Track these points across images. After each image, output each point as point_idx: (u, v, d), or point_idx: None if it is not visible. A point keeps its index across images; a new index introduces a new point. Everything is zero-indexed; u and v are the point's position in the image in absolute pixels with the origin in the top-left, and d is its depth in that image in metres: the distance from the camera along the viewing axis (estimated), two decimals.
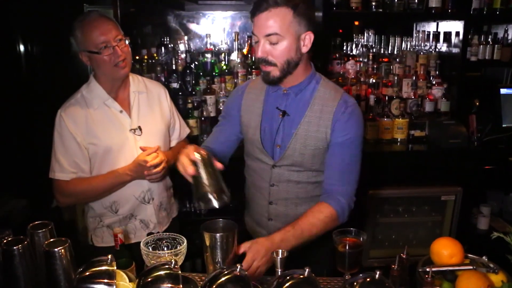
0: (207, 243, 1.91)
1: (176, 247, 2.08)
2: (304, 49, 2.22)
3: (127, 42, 2.68)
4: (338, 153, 2.31)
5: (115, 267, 1.69)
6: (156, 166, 2.63)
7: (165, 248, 2.11)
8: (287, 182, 2.43)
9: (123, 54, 2.61)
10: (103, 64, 2.59)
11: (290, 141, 2.34)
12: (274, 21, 2.11)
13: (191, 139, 3.64)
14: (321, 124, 2.30)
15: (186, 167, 1.98)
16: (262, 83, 2.42)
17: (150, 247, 2.07)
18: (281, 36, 2.13)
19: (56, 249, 1.73)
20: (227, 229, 1.91)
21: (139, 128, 2.76)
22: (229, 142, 2.65)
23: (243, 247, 2.05)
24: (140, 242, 2.08)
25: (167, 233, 2.15)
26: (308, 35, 2.19)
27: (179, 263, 1.95)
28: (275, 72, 2.22)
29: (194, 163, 1.95)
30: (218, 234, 1.88)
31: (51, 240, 1.82)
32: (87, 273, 1.64)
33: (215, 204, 1.95)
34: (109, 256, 1.70)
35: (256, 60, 2.29)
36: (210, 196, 1.91)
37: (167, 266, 1.69)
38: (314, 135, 2.31)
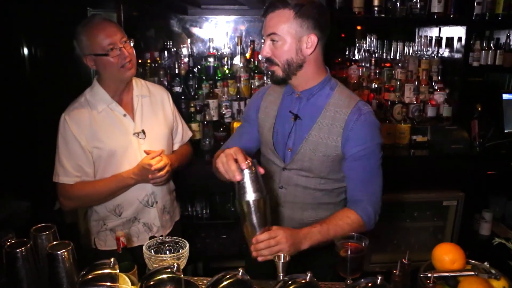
0: (245, 209, 2.03)
1: (179, 251, 2.08)
2: (307, 51, 2.23)
3: (131, 43, 2.69)
4: (358, 165, 2.30)
5: (117, 270, 1.69)
6: (160, 169, 2.64)
7: (167, 252, 2.11)
8: (295, 186, 2.42)
9: (129, 55, 2.63)
10: (110, 66, 2.60)
11: (300, 145, 2.35)
12: (275, 22, 2.19)
13: (194, 143, 3.64)
14: (332, 131, 2.29)
15: (234, 173, 2.03)
16: (280, 88, 2.50)
17: (152, 250, 2.07)
18: (280, 36, 2.19)
19: (59, 252, 1.74)
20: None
21: (143, 131, 2.76)
22: (250, 143, 2.66)
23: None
24: (143, 245, 2.08)
25: (170, 237, 2.16)
26: (312, 37, 2.20)
27: (182, 267, 1.95)
28: (278, 71, 2.27)
29: (241, 170, 2.03)
30: (251, 199, 2.01)
31: (54, 243, 1.83)
32: (90, 276, 1.64)
33: (254, 211, 2.05)
34: (112, 259, 1.70)
35: (262, 60, 2.32)
36: (252, 204, 2.03)
37: (169, 270, 1.70)
38: (324, 142, 2.30)
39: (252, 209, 2.03)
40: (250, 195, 2.02)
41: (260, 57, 4.24)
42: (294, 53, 2.22)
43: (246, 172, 2.02)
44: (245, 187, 2.03)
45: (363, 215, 2.27)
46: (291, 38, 2.19)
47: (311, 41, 2.21)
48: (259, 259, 2.07)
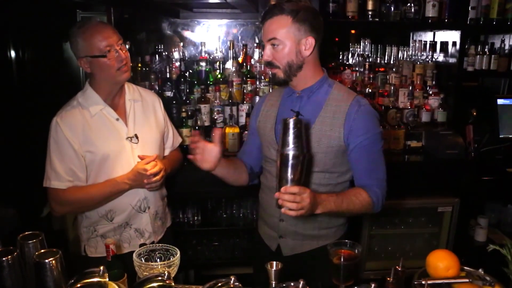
0: (284, 162, 2.16)
1: (169, 259, 2.06)
2: (306, 53, 2.36)
3: (127, 47, 2.69)
4: (363, 154, 2.42)
5: (107, 279, 1.67)
6: (155, 174, 2.64)
7: (158, 260, 2.10)
8: None
9: (126, 58, 2.64)
10: (107, 68, 2.59)
11: None
12: (275, 27, 2.32)
13: (185, 148, 3.62)
14: (334, 123, 2.41)
15: None
16: (279, 91, 2.70)
17: (142, 258, 2.05)
18: (280, 40, 2.32)
19: (46, 261, 1.71)
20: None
21: (136, 136, 2.75)
22: (256, 152, 2.79)
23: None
24: (134, 252, 2.06)
25: (160, 245, 2.15)
26: (310, 39, 2.34)
27: (172, 275, 1.93)
28: (279, 73, 2.41)
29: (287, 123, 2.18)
30: (291, 153, 2.14)
31: (42, 251, 1.80)
32: (78, 285, 1.64)
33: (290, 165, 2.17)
34: (101, 268, 1.68)
35: (264, 64, 2.41)
36: (290, 158, 2.15)
37: (160, 278, 1.68)
38: (328, 134, 2.41)
39: (290, 162, 2.14)
40: (290, 149, 2.14)
41: (252, 61, 4.26)
42: (294, 55, 2.35)
43: (291, 125, 2.14)
44: (287, 140, 2.14)
45: (373, 196, 2.42)
46: (290, 41, 2.32)
47: (309, 43, 2.35)
48: (282, 210, 2.14)
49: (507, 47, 4.47)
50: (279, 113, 2.60)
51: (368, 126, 2.40)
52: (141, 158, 2.68)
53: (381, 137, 2.47)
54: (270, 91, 3.91)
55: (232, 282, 1.69)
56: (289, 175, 2.16)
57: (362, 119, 2.39)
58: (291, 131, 2.13)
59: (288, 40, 2.32)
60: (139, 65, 4.19)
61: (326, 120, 2.43)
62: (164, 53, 4.29)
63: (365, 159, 2.43)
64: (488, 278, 1.87)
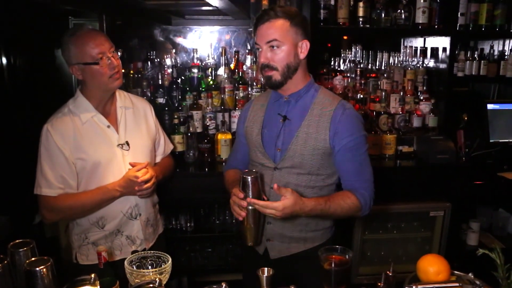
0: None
1: (161, 266, 2.05)
2: (302, 56, 2.45)
3: (119, 54, 2.69)
4: (349, 156, 2.47)
5: (98, 286, 1.67)
6: (146, 181, 2.65)
7: (150, 267, 2.09)
8: (286, 185, 2.48)
9: (118, 65, 2.64)
10: (99, 75, 2.59)
11: (291, 142, 2.50)
12: (274, 29, 2.37)
13: (177, 155, 3.62)
14: (320, 126, 2.46)
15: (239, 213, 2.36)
16: (265, 96, 2.76)
17: (134, 265, 2.04)
18: (280, 42, 2.37)
19: (37, 269, 1.71)
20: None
21: (127, 143, 2.75)
22: (246, 157, 2.81)
23: (284, 190, 2.26)
24: (126, 259, 2.05)
25: (152, 252, 2.14)
26: (305, 43, 2.43)
27: (164, 282, 1.93)
28: (276, 76, 2.44)
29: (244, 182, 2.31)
30: (250, 208, 2.32)
31: (33, 259, 1.79)
32: None
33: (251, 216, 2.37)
34: (93, 275, 1.68)
35: (259, 66, 2.48)
36: (250, 212, 2.35)
37: (151, 285, 1.67)
38: (313, 136, 2.46)
39: (250, 214, 2.32)
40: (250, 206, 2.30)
41: (244, 67, 4.26)
42: (292, 57, 2.42)
43: (249, 185, 2.27)
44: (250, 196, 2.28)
45: (361, 198, 2.44)
46: (289, 43, 2.39)
47: (304, 46, 2.44)
48: None
49: (496, 52, 4.51)
50: (265, 117, 2.65)
51: (353, 129, 2.45)
52: (132, 165, 2.68)
53: (365, 141, 2.52)
54: None
55: (223, 287, 1.69)
56: (252, 223, 2.36)
57: (347, 121, 2.45)
58: (249, 188, 2.29)
59: (288, 42, 2.37)
60: (131, 71, 4.18)
61: (312, 123, 2.48)
62: (156, 60, 4.29)
63: (351, 161, 2.47)
64: (477, 282, 1.87)
